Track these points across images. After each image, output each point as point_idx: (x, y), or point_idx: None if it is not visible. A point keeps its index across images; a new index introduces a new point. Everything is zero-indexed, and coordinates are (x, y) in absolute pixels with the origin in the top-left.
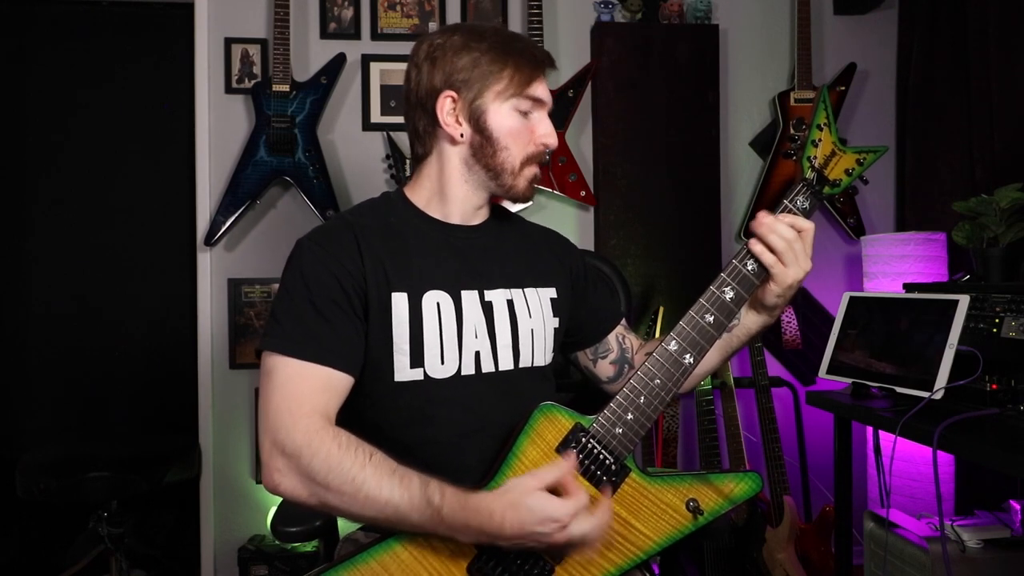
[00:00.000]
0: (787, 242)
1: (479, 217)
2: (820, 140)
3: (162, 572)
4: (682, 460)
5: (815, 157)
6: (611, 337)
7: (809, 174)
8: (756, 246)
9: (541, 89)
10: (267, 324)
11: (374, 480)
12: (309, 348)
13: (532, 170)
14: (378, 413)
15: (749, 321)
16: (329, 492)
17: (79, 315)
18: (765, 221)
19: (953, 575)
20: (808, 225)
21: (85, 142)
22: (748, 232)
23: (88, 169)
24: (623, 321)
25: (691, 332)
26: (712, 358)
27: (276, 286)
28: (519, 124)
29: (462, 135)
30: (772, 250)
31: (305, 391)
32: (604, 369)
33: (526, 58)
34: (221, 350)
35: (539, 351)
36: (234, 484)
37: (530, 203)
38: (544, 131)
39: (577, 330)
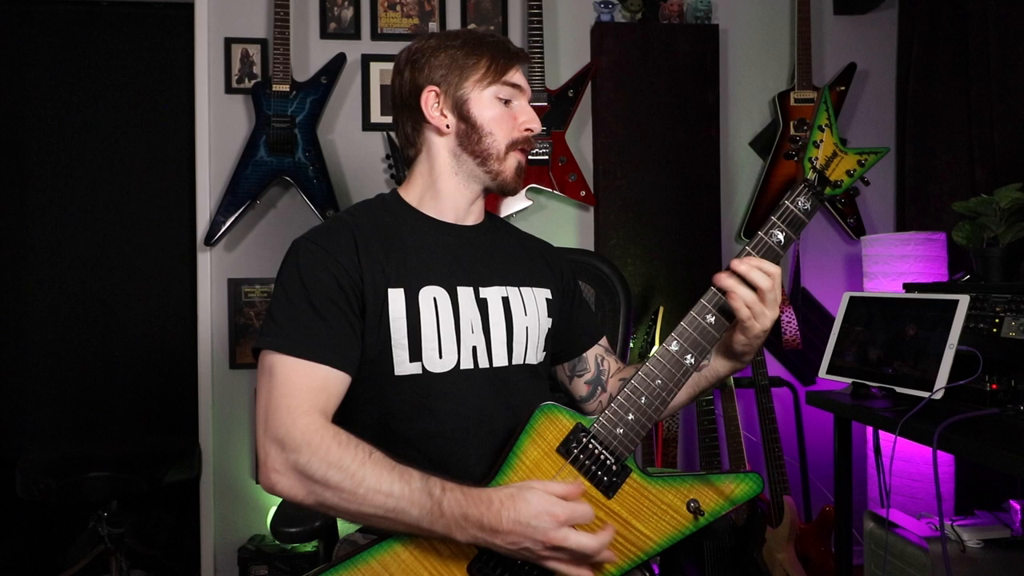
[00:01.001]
0: (762, 291)
1: (472, 217)
2: (821, 141)
3: (162, 572)
4: (682, 460)
5: (816, 158)
6: (590, 356)
7: (811, 175)
8: (735, 301)
9: (519, 76)
10: (264, 323)
11: (374, 476)
12: (307, 346)
13: (517, 156)
14: (381, 408)
15: (718, 366)
16: (328, 490)
17: (79, 315)
18: (740, 269)
19: (953, 575)
20: (776, 269)
21: (85, 142)
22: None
23: (88, 169)
24: (604, 342)
25: (692, 333)
26: (681, 396)
27: None
28: (501, 111)
29: (448, 126)
30: (747, 304)
31: (303, 389)
32: (578, 388)
33: (500, 49)
34: (221, 350)
35: (531, 349)
36: (234, 484)
37: (530, 203)
38: (526, 117)
39: (557, 342)
